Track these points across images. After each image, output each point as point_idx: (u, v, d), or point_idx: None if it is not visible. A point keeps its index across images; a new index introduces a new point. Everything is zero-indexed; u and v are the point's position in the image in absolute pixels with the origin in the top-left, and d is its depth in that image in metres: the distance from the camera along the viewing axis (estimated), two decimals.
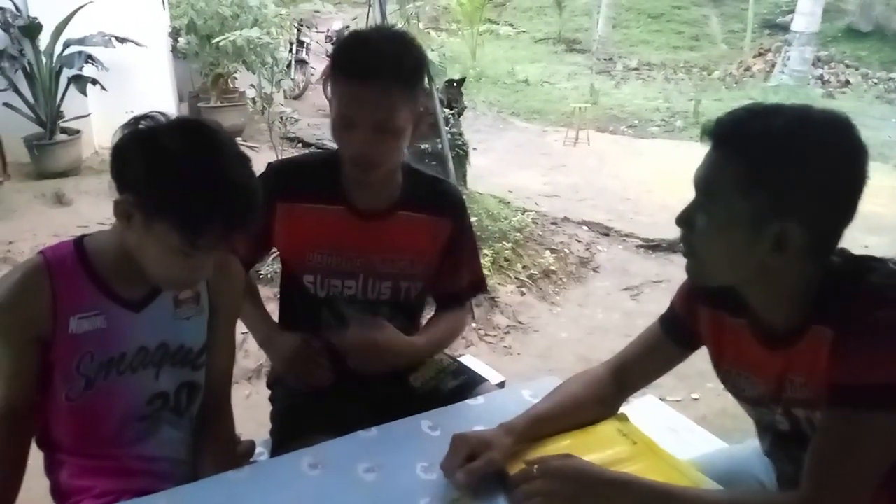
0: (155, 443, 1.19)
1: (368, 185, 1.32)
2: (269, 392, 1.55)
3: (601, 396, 1.19)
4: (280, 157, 4.77)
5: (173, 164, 0.97)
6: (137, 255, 1.05)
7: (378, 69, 1.19)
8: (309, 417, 1.33)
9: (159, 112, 1.06)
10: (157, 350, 1.15)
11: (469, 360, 1.56)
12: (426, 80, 1.33)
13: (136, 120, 1.03)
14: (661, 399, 1.97)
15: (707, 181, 0.93)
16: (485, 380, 1.49)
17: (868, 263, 0.93)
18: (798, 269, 0.92)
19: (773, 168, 0.86)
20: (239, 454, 1.32)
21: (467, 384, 1.45)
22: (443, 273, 1.45)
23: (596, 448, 1.09)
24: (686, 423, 1.62)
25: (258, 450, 1.42)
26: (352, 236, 1.35)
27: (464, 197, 1.52)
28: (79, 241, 1.11)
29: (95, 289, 1.09)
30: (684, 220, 0.97)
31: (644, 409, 1.30)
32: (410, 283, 1.41)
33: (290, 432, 1.32)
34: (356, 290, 1.38)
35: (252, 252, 1.42)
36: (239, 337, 3.21)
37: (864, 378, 0.85)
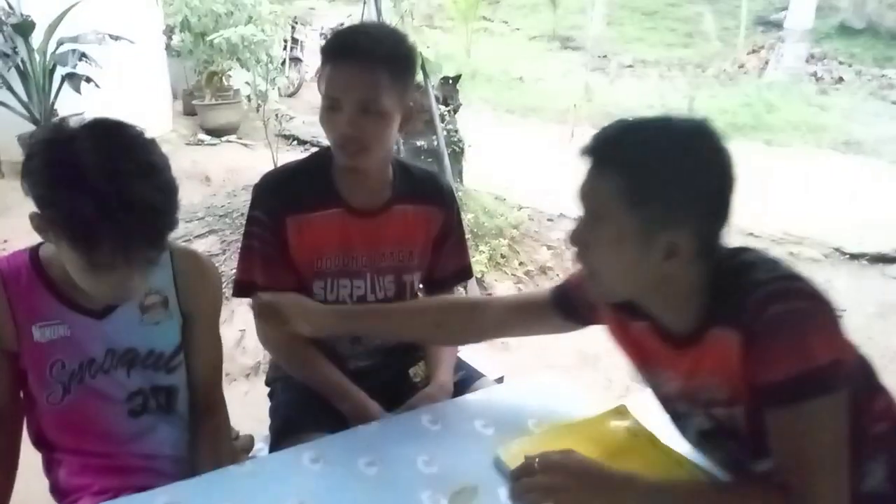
0: (152, 440, 1.19)
1: (361, 181, 1.33)
2: (266, 389, 1.55)
3: (441, 323, 1.27)
4: (275, 155, 4.78)
5: (63, 176, 0.91)
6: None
7: (364, 50, 1.21)
8: (308, 413, 1.33)
9: (75, 116, 1.00)
10: (126, 353, 1.14)
11: (467, 356, 1.57)
12: (421, 75, 1.34)
13: (43, 128, 0.99)
14: None
15: (592, 200, 0.95)
16: (483, 375, 1.50)
17: (746, 258, 0.95)
18: (691, 273, 0.95)
19: (652, 180, 0.90)
20: (238, 449, 1.32)
21: (466, 379, 1.46)
22: (433, 261, 1.47)
23: (596, 441, 1.10)
24: None
25: (257, 445, 1.43)
26: (354, 237, 1.36)
27: (460, 194, 1.53)
28: (34, 251, 1.10)
29: (53, 298, 1.08)
30: (576, 239, 0.98)
31: (645, 402, 1.31)
32: (412, 276, 1.43)
33: (289, 428, 1.32)
34: (365, 290, 1.39)
35: (290, 279, 1.36)
36: (236, 334, 3.22)
37: (789, 372, 0.87)
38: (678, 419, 1.10)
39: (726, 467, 1.05)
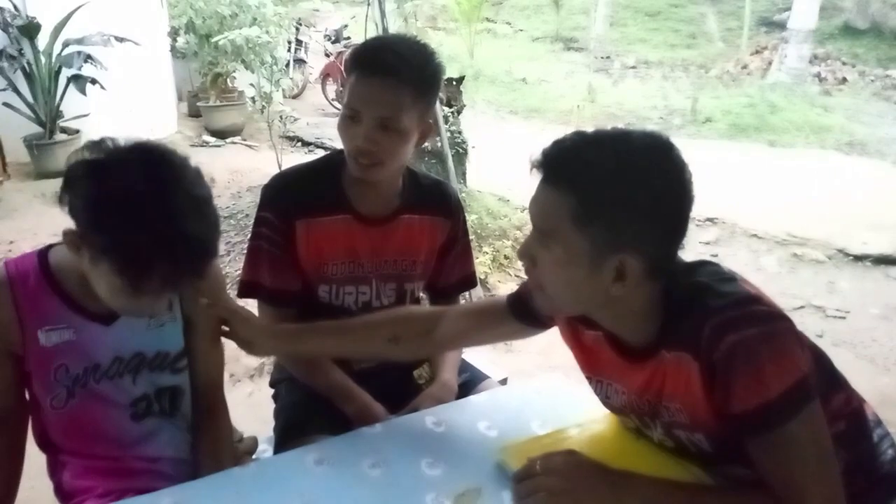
0: (156, 443, 1.20)
1: (371, 190, 1.33)
2: (270, 390, 1.56)
3: (398, 336, 1.23)
4: (279, 157, 4.79)
5: (117, 205, 0.92)
6: (91, 282, 1.02)
7: (390, 67, 1.21)
8: (313, 414, 1.34)
9: (116, 139, 0.99)
10: (133, 358, 1.15)
11: (471, 358, 1.57)
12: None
13: (92, 145, 0.98)
14: None
15: (542, 217, 0.93)
16: (487, 377, 1.50)
17: (700, 280, 0.93)
18: (641, 293, 0.93)
19: (604, 201, 0.87)
20: (242, 451, 1.33)
21: (470, 381, 1.46)
22: (437, 269, 1.47)
23: (598, 442, 1.10)
24: None
25: (261, 447, 1.43)
26: (361, 243, 1.36)
27: (463, 195, 1.54)
28: (43, 254, 1.10)
29: (61, 302, 1.08)
30: (525, 254, 0.97)
31: None
32: (414, 284, 1.44)
33: (294, 429, 1.33)
34: (370, 296, 1.40)
35: (296, 281, 1.36)
36: None
37: (758, 403, 0.87)
38: (629, 427, 1.11)
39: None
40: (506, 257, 4.05)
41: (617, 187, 0.87)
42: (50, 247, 1.12)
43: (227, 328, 1.22)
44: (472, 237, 1.66)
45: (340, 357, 1.33)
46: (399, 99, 1.22)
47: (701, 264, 0.97)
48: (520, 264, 4.05)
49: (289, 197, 1.34)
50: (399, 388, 1.41)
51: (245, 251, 1.44)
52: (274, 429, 1.44)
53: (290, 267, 1.34)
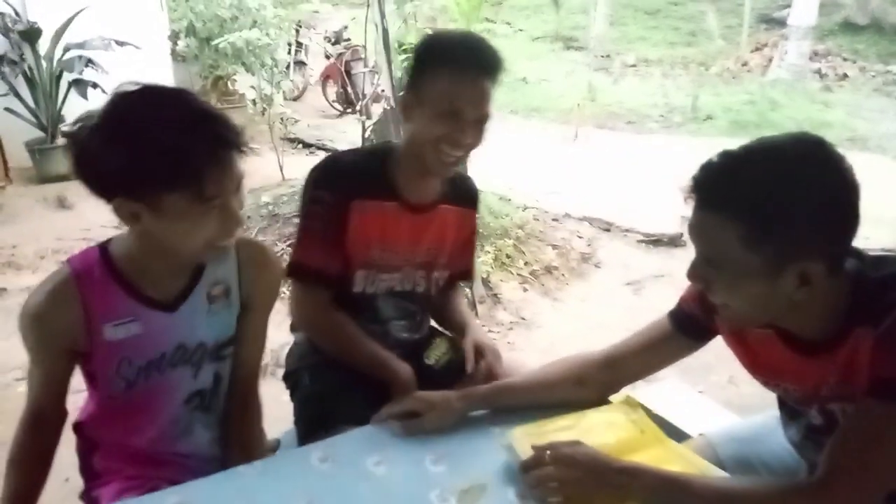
0: (188, 441, 1.21)
1: (421, 179, 1.37)
2: (281, 386, 1.56)
3: (582, 378, 1.21)
4: (280, 159, 4.80)
5: (133, 135, 0.94)
6: (167, 244, 1.02)
7: (488, 64, 1.27)
8: (334, 406, 1.34)
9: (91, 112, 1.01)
10: (197, 349, 1.16)
11: None
12: None
13: (80, 121, 0.99)
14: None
15: (708, 245, 0.92)
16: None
17: (890, 265, 0.93)
18: (828, 290, 0.92)
19: (770, 219, 0.85)
20: (266, 449, 1.33)
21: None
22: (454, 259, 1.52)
23: (604, 434, 1.10)
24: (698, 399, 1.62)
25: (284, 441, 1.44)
26: (404, 230, 1.40)
27: None
28: (104, 247, 1.10)
29: (126, 295, 1.08)
30: (697, 278, 0.96)
31: (649, 397, 1.33)
32: (440, 273, 1.48)
33: (315, 422, 1.33)
34: (401, 283, 1.44)
35: (339, 265, 1.37)
36: None
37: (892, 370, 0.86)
38: (791, 415, 1.11)
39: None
40: (507, 256, 4.05)
41: (780, 203, 0.85)
42: (108, 241, 1.11)
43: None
44: None
45: (530, 405, 1.25)
46: (490, 94, 1.28)
47: (886, 258, 0.96)
48: (521, 262, 4.09)
49: (346, 177, 1.36)
50: (416, 374, 1.40)
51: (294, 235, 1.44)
52: (296, 420, 1.44)
53: (338, 247, 1.35)
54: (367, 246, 1.38)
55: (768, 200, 0.85)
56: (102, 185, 0.99)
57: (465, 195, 1.49)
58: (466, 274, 1.59)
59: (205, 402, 1.21)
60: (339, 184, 1.35)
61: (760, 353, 1.07)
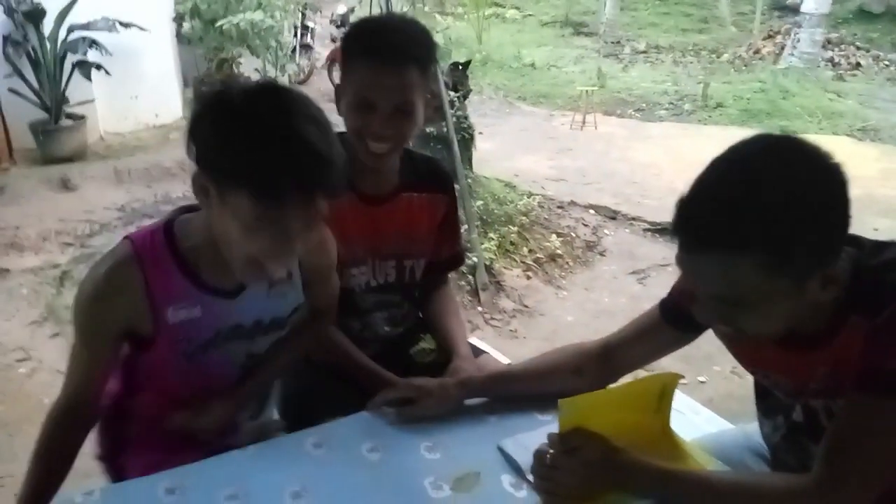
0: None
1: (373, 170, 1.32)
2: None
3: (580, 368, 1.20)
4: None
5: (240, 127, 0.92)
6: (220, 238, 0.99)
7: (398, 51, 1.20)
8: (318, 398, 1.34)
9: (234, 81, 1.01)
10: (253, 326, 1.15)
11: (478, 343, 1.57)
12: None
13: (210, 91, 0.98)
14: None
15: (727, 287, 0.86)
16: (483, 352, 1.50)
17: (892, 256, 0.91)
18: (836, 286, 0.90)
19: (788, 234, 0.82)
20: (267, 430, 1.31)
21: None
22: (434, 247, 1.46)
23: (626, 405, 1.09)
24: (692, 405, 1.62)
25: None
26: (363, 223, 1.35)
27: (469, 181, 1.53)
28: (168, 227, 1.06)
29: (188, 282, 1.05)
30: (723, 324, 0.93)
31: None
32: (413, 262, 1.43)
33: (299, 414, 1.33)
34: (369, 277, 1.40)
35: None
36: None
37: (889, 363, 0.84)
38: (769, 411, 1.10)
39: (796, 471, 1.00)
40: (511, 243, 4.03)
41: (789, 218, 0.81)
42: (171, 222, 1.07)
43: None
44: (477, 223, 1.64)
45: (526, 394, 1.24)
46: (410, 81, 1.22)
47: (886, 244, 0.94)
48: (526, 250, 4.07)
49: None
50: (401, 370, 1.40)
51: None
52: (280, 414, 1.43)
53: None
54: None
55: (776, 221, 0.81)
56: (193, 147, 0.96)
57: (431, 180, 1.42)
58: (455, 259, 1.54)
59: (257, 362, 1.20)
60: None
61: (753, 347, 1.05)
